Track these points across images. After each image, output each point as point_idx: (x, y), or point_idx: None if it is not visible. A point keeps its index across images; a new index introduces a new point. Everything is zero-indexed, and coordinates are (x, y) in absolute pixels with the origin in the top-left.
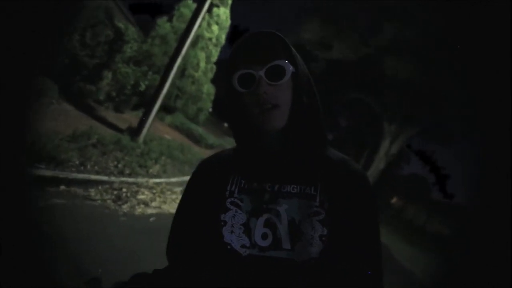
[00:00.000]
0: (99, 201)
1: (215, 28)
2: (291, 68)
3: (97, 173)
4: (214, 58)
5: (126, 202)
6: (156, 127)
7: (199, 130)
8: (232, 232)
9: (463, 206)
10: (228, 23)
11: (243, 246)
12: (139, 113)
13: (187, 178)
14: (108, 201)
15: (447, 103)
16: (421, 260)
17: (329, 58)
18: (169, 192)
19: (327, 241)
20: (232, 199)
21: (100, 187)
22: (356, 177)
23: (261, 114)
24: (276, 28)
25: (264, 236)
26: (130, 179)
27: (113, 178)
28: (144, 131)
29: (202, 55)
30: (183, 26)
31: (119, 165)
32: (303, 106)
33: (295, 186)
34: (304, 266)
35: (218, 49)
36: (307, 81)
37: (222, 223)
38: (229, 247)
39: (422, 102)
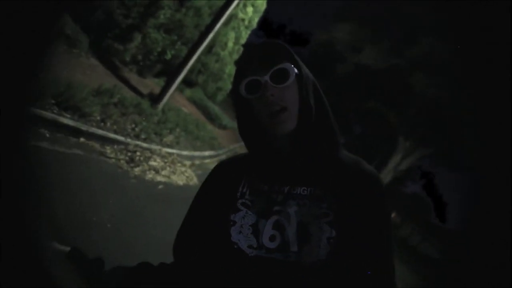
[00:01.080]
0: (113, 160)
1: (249, 10)
2: (295, 70)
3: (115, 132)
4: (243, 40)
5: (138, 165)
6: (175, 98)
7: (215, 109)
8: (240, 232)
9: (460, 233)
10: (263, 7)
11: (250, 246)
12: (161, 81)
13: (198, 153)
14: (122, 161)
15: (467, 130)
16: (407, 279)
17: (357, 62)
18: (179, 164)
19: (334, 243)
20: (243, 200)
21: (116, 146)
22: (367, 177)
23: (270, 117)
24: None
25: (272, 238)
26: (145, 144)
27: (129, 140)
28: (165, 99)
29: (231, 35)
30: (219, 2)
31: (136, 129)
32: (310, 108)
33: (306, 188)
34: (311, 268)
35: (248, 32)
36: (313, 84)
37: (231, 223)
38: (235, 246)
39: (443, 124)
